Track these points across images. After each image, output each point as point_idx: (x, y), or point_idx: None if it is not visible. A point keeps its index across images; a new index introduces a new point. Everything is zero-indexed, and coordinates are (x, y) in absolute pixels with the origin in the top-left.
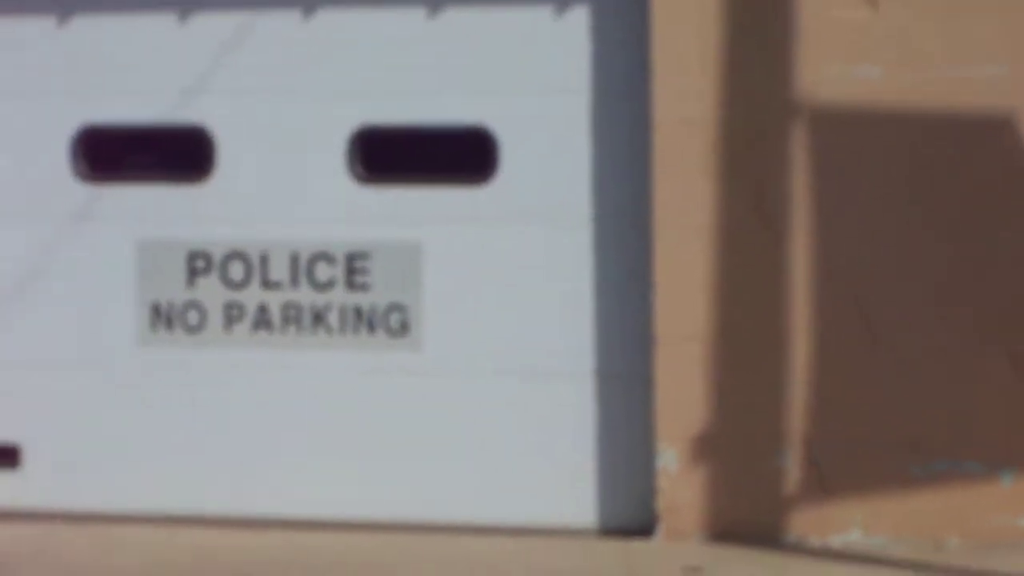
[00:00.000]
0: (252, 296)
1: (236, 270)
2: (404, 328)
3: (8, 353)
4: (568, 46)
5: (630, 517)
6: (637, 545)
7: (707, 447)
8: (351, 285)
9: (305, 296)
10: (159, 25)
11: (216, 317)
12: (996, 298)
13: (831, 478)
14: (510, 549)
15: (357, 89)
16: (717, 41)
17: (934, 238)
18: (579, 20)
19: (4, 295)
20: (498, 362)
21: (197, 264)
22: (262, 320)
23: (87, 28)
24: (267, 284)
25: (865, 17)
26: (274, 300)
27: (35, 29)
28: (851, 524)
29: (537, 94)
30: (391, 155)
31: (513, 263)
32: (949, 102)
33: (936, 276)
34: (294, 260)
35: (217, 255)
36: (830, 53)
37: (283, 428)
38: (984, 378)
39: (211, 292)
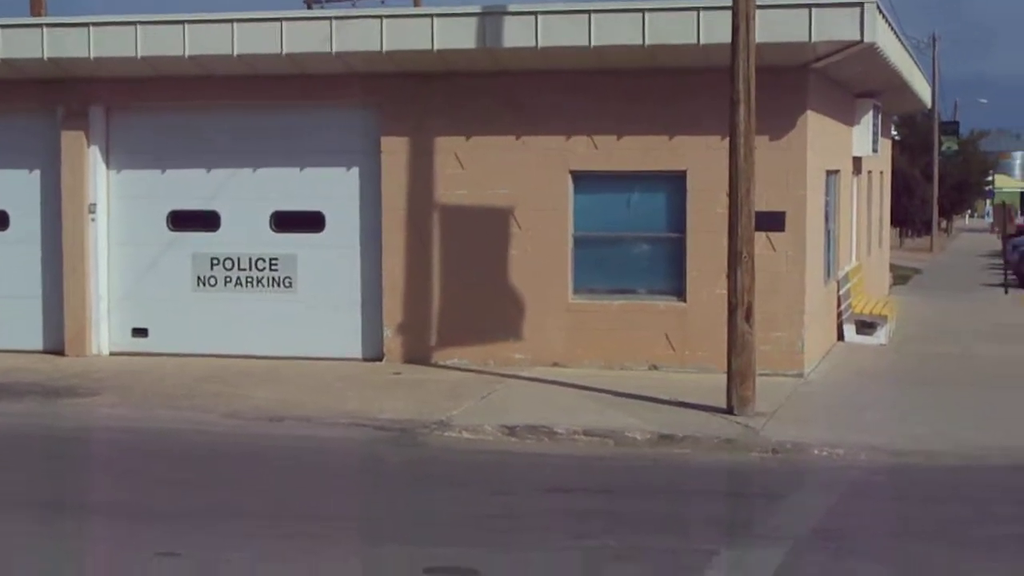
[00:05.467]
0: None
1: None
2: (291, 285)
3: (147, 291)
4: (351, 183)
5: (374, 354)
6: (376, 364)
7: (401, 328)
8: (272, 270)
9: (256, 274)
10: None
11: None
12: (505, 276)
13: (448, 339)
14: (328, 364)
15: (270, 194)
16: (405, 182)
17: (485, 247)
18: (356, 173)
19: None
20: (328, 298)
21: None
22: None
23: None
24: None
25: (460, 171)
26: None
27: None
28: (456, 356)
29: (341, 200)
30: (289, 220)
31: (334, 265)
32: (489, 202)
33: (484, 262)
34: (250, 259)
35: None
36: (446, 185)
37: (255, 321)
38: (505, 303)
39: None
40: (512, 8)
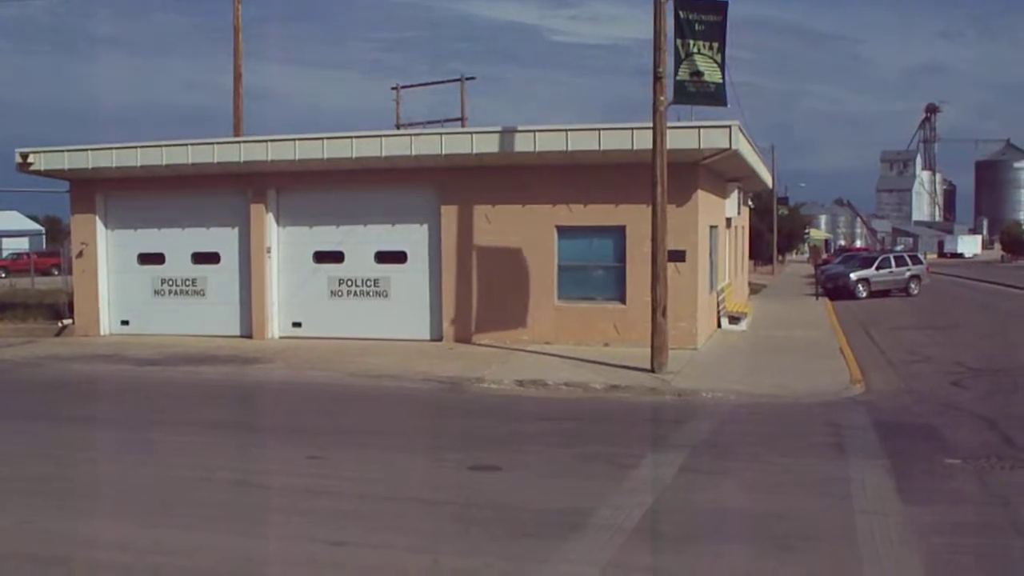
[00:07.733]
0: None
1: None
2: (387, 295)
3: (301, 299)
4: (423, 233)
5: (437, 337)
6: (438, 343)
7: (453, 320)
8: (375, 286)
9: (366, 288)
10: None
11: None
12: (517, 289)
13: (481, 327)
14: (409, 343)
15: (374, 240)
16: (455, 233)
17: (504, 272)
18: (426, 227)
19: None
20: (410, 303)
21: (340, 280)
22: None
23: None
24: (352, 283)
25: (488, 226)
26: (353, 288)
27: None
28: (486, 337)
29: (417, 244)
30: (385, 256)
31: (413, 283)
32: (506, 245)
33: (504, 280)
34: (362, 280)
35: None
36: (479, 234)
37: (365, 317)
38: (517, 305)
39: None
40: (520, 128)
